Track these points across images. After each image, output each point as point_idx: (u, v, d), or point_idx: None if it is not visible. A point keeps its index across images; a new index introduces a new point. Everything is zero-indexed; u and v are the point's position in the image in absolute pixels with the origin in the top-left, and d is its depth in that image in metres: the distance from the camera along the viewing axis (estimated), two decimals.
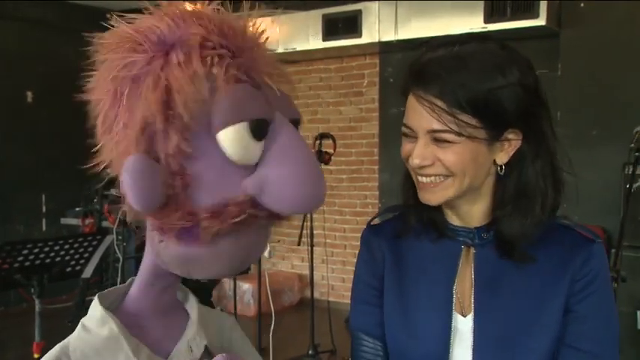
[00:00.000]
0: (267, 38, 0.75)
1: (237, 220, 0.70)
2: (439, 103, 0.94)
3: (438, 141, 0.97)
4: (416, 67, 0.99)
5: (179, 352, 0.81)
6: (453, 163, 0.96)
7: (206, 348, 0.84)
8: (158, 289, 0.81)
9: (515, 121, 0.97)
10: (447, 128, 0.94)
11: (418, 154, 0.98)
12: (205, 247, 0.72)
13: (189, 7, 0.75)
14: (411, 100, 0.99)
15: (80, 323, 0.81)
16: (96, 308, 0.80)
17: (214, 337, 0.88)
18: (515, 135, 0.99)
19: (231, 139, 0.69)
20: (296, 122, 0.77)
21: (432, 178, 0.99)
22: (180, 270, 0.77)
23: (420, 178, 1.01)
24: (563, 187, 1.03)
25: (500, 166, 1.01)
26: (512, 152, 1.00)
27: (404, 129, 1.01)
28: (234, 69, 0.70)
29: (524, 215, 1.00)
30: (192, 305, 0.87)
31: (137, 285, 0.83)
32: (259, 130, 0.70)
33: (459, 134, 0.94)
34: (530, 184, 1.00)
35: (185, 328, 0.84)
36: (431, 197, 1.01)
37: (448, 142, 0.96)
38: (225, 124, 0.69)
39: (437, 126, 0.95)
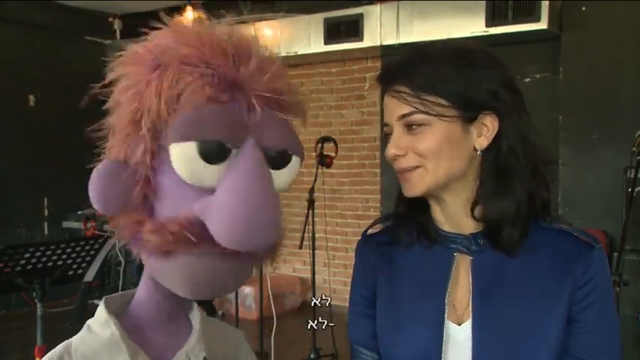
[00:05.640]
0: (273, 59, 0.75)
1: (174, 238, 0.69)
2: (405, 89, 0.99)
3: (410, 128, 0.99)
4: (383, 71, 1.05)
5: None
6: (425, 149, 0.98)
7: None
8: (161, 296, 0.81)
9: (487, 103, 0.98)
10: (414, 109, 0.98)
11: (393, 144, 1.00)
12: (164, 260, 0.72)
13: (192, 13, 0.75)
14: (385, 99, 1.04)
15: (86, 324, 0.82)
16: (101, 310, 0.82)
17: (218, 350, 0.88)
18: (492, 119, 1.00)
19: (177, 156, 0.69)
20: (283, 152, 0.74)
21: (407, 170, 1.00)
22: (157, 278, 0.77)
23: (397, 170, 1.02)
24: (542, 167, 1.03)
25: (483, 152, 1.01)
26: (492, 137, 1.00)
27: (384, 130, 1.04)
28: (212, 88, 0.69)
29: (503, 193, 1.00)
30: (196, 315, 0.86)
31: (141, 290, 0.83)
32: (212, 153, 0.68)
33: (427, 113, 0.97)
34: (509, 161, 1.00)
35: (188, 338, 0.84)
36: (410, 187, 1.01)
37: (419, 124, 0.98)
38: (172, 140, 0.69)
39: (405, 110, 0.99)
